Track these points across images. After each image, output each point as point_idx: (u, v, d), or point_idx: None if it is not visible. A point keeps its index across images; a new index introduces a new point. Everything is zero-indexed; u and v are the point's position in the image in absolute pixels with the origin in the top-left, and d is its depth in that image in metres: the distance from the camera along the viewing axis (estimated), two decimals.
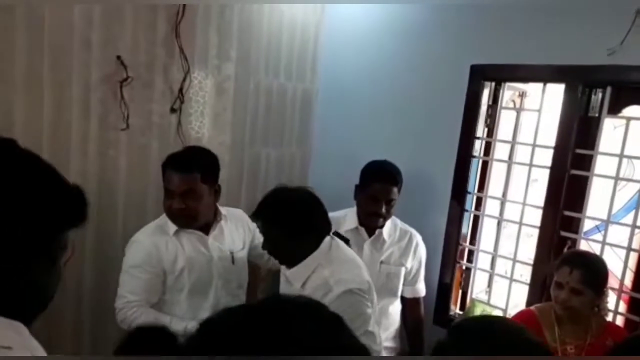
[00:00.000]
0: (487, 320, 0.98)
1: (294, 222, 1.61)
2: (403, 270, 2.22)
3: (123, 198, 2.18)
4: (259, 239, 1.79)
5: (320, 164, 2.99)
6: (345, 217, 2.22)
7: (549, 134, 2.27)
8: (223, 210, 1.98)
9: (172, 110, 2.27)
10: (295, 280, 1.64)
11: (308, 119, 2.96)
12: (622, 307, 2.17)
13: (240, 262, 2.00)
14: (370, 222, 2.17)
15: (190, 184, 1.76)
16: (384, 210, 2.11)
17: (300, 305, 0.65)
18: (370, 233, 2.20)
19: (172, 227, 1.83)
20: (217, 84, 2.45)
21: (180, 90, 2.27)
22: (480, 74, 2.34)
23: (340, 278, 1.57)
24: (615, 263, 2.29)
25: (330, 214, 2.27)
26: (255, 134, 2.69)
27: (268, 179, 2.79)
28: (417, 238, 2.27)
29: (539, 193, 2.34)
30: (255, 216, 1.67)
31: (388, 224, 2.21)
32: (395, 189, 2.11)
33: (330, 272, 1.59)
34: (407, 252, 2.23)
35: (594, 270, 1.73)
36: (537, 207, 2.29)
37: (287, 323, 0.60)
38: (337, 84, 2.87)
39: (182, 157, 1.82)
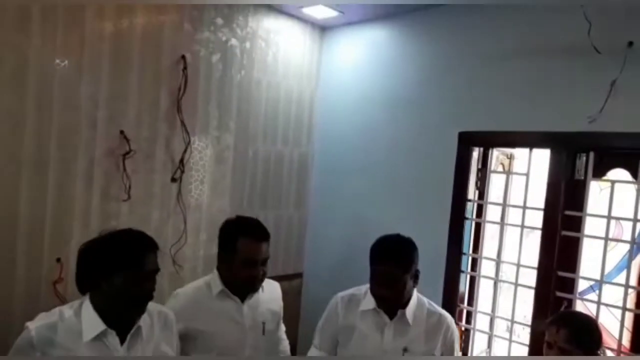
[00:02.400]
0: None
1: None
2: None
3: None
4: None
5: (318, 224, 3.07)
6: (365, 295, 1.89)
7: (539, 196, 2.33)
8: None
9: (173, 179, 2.36)
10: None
11: (304, 181, 3.05)
12: None
13: (269, 334, 1.94)
14: (382, 303, 1.82)
15: (268, 252, 1.86)
16: (387, 292, 1.75)
17: None
18: (392, 315, 1.83)
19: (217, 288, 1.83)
20: (217, 153, 2.56)
21: (181, 160, 2.37)
22: (468, 141, 2.44)
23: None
24: (612, 323, 2.30)
25: (351, 290, 1.96)
26: (253, 198, 2.78)
27: None
28: (448, 320, 1.89)
29: (533, 253, 2.38)
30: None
31: (413, 303, 1.85)
32: (400, 270, 1.76)
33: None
34: (436, 336, 1.85)
35: (580, 330, 1.74)
36: (532, 267, 2.32)
37: None
38: (333, 149, 3.00)
39: (261, 225, 1.88)
